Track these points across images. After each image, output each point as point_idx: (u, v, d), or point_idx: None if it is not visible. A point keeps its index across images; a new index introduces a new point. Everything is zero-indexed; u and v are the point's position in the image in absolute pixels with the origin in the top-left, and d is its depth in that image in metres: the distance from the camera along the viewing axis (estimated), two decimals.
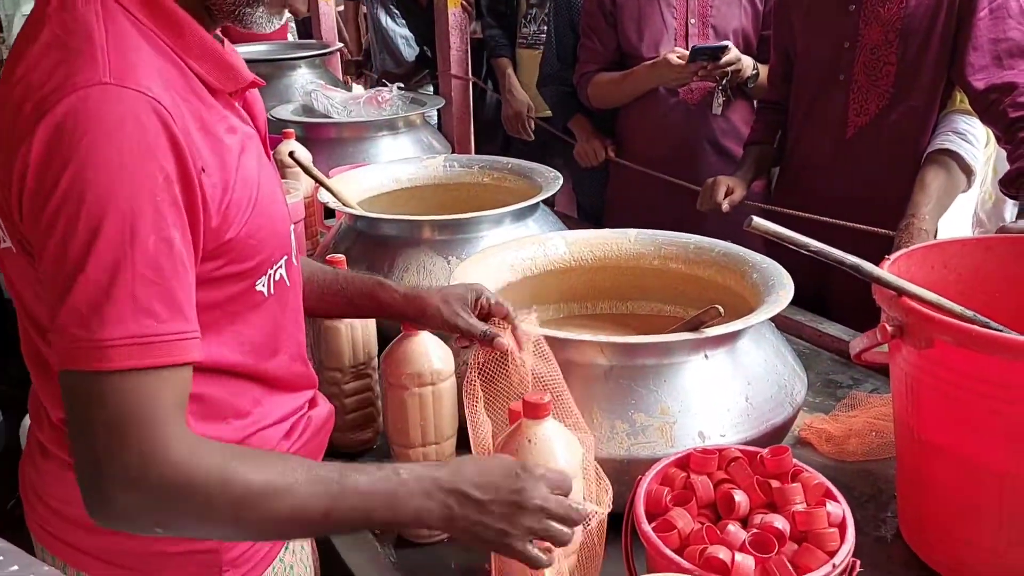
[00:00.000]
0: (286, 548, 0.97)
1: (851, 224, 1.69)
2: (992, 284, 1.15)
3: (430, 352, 1.08)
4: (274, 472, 0.75)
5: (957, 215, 1.76)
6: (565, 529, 0.81)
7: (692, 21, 2.14)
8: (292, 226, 0.95)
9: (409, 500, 0.78)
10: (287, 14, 0.89)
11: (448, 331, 1.02)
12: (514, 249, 1.46)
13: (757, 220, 0.92)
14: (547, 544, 0.81)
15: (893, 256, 1.10)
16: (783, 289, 1.19)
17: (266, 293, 0.87)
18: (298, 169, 2.11)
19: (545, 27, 2.76)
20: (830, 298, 1.85)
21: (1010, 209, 1.77)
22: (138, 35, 0.77)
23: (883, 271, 0.97)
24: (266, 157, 0.91)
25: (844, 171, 1.77)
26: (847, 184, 1.79)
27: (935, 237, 1.59)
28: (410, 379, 1.06)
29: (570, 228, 1.87)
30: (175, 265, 0.73)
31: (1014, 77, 1.54)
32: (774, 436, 1.11)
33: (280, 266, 0.89)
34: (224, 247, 0.80)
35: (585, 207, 2.70)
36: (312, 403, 1.00)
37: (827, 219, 1.72)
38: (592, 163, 2.37)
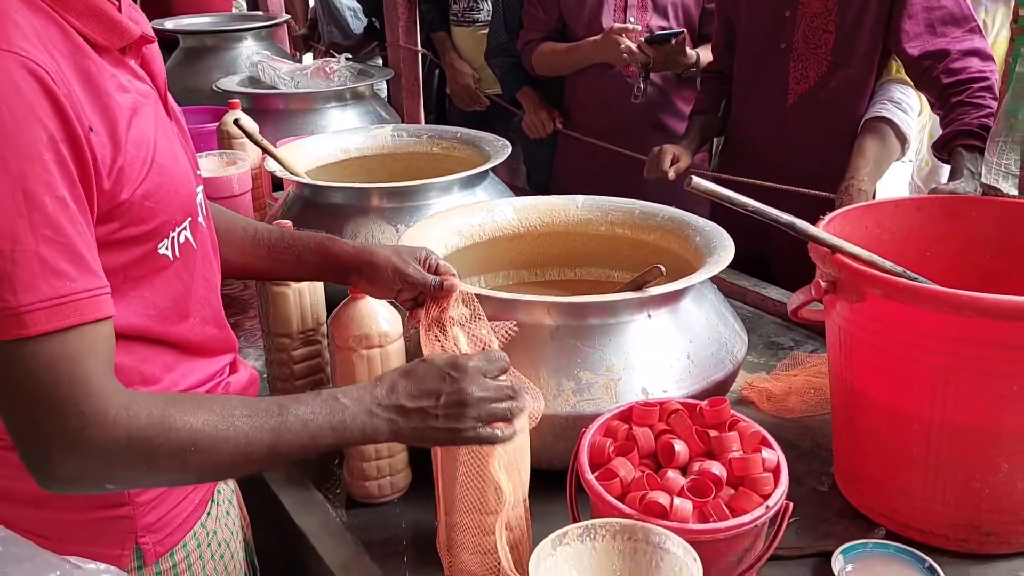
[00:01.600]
0: (208, 513, 0.97)
1: (792, 188, 1.73)
2: (924, 243, 1.19)
3: (377, 314, 1.08)
4: (214, 414, 0.75)
5: (894, 182, 1.81)
6: (510, 405, 0.86)
7: None
8: (200, 188, 0.93)
9: (352, 422, 0.81)
10: None
11: (399, 282, 1.02)
12: (462, 215, 1.46)
13: (696, 180, 0.94)
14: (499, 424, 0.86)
15: (829, 216, 1.13)
16: (724, 251, 1.22)
17: (170, 256, 0.86)
18: (245, 139, 2.08)
19: (474, 4, 2.76)
20: (771, 261, 1.90)
21: (945, 176, 1.82)
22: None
23: (817, 229, 1.00)
24: (166, 116, 0.89)
25: (785, 138, 1.81)
26: (788, 151, 1.83)
27: (874, 198, 1.64)
28: (357, 341, 1.06)
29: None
30: (74, 223, 0.72)
31: (947, 44, 1.59)
32: (715, 392, 1.14)
33: (184, 228, 0.88)
34: (119, 209, 0.78)
35: (534, 179, 2.71)
36: (232, 368, 1.00)
37: (770, 184, 1.76)
38: (541, 134, 2.38)
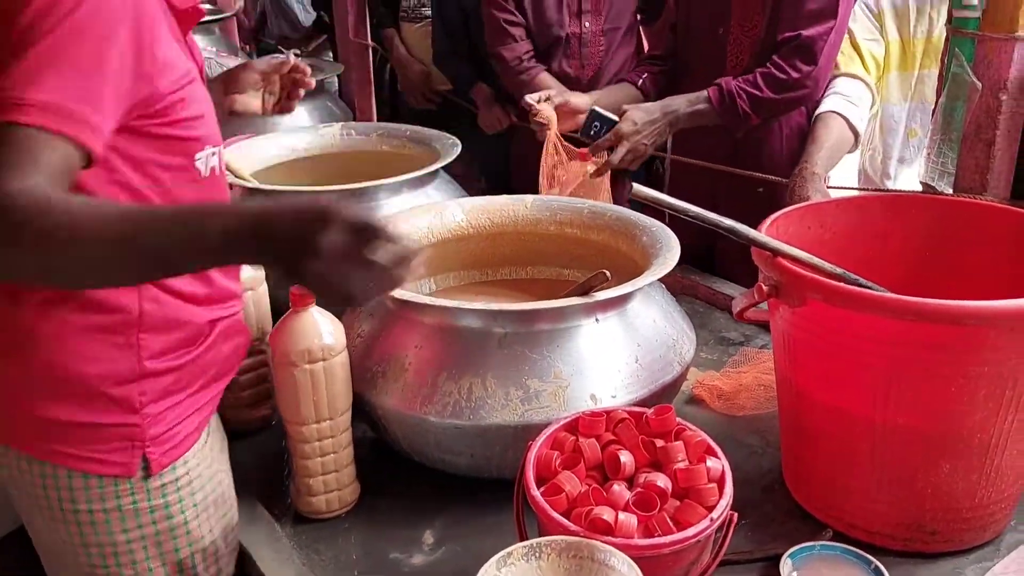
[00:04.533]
0: (204, 441, 1.02)
1: (747, 172, 1.74)
2: (866, 242, 1.20)
3: (320, 327, 1.06)
4: (93, 205, 0.78)
5: (843, 170, 1.82)
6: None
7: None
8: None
9: (216, 218, 0.76)
10: None
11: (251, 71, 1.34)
12: (411, 217, 1.44)
13: (637, 187, 0.94)
14: None
15: (771, 217, 1.13)
16: (670, 252, 1.22)
17: (203, 172, 0.96)
18: None
19: (425, 1, 2.74)
20: (721, 255, 1.92)
21: (894, 164, 1.85)
22: None
23: (759, 233, 1.00)
24: (191, 54, 0.99)
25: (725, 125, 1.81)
26: (728, 135, 1.83)
27: (826, 183, 1.65)
28: (300, 356, 1.04)
29: (472, 195, 1.87)
30: (122, 74, 0.81)
31: (802, 32, 1.65)
32: (664, 394, 1.14)
33: (216, 153, 0.99)
34: (161, 99, 0.88)
35: (491, 173, 2.69)
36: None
37: (726, 168, 1.76)
38: (497, 128, 2.38)
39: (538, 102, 1.77)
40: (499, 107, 2.37)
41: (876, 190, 1.74)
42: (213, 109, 1.01)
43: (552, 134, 1.76)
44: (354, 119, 2.78)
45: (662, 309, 1.23)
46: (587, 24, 2.18)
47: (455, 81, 2.60)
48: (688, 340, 1.23)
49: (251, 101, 1.45)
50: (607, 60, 2.22)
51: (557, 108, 1.78)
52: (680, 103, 1.70)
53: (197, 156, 0.95)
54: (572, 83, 2.20)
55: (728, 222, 0.97)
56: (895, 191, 1.21)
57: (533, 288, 1.52)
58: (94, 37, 0.80)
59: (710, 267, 1.86)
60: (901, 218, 1.19)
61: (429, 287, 1.52)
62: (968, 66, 1.11)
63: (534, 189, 1.89)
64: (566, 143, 1.81)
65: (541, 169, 1.82)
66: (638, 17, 2.28)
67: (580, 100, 1.82)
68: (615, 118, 1.70)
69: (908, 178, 1.82)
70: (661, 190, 2.30)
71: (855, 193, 1.65)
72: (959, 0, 1.12)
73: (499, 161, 2.52)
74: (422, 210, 1.47)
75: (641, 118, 1.66)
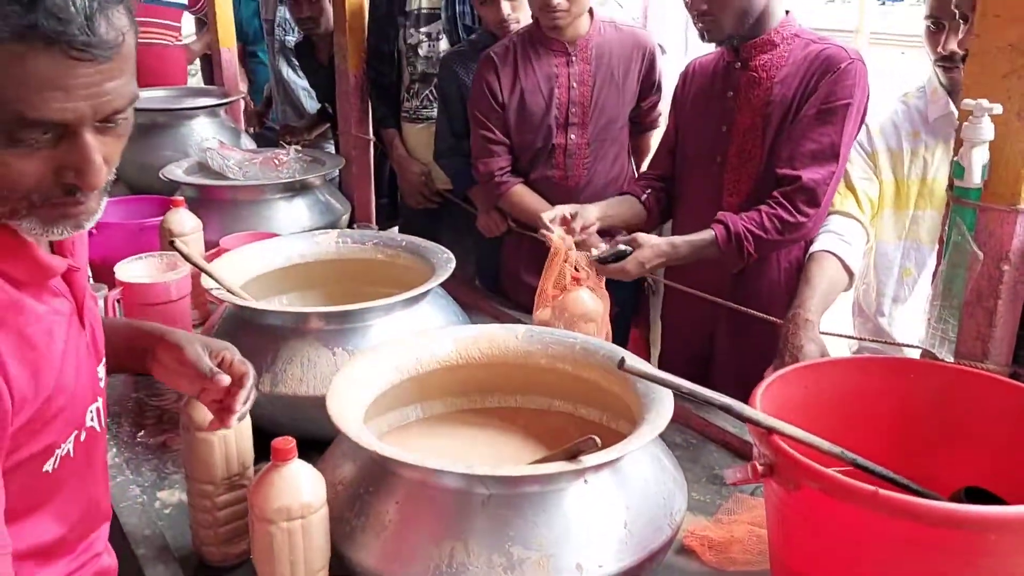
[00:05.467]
0: None
1: (742, 308, 1.73)
2: (864, 403, 1.18)
3: (301, 482, 1.03)
4: None
5: (838, 305, 1.82)
6: None
7: (573, 111, 2.20)
8: (95, 403, 1.00)
9: None
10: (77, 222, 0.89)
11: (176, 364, 1.06)
12: (400, 348, 1.42)
13: (629, 363, 0.92)
14: None
15: (768, 379, 1.11)
16: (663, 405, 1.19)
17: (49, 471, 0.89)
18: (188, 236, 2.05)
19: (427, 103, 2.77)
20: (715, 356, 1.91)
21: (888, 302, 1.84)
22: None
23: (754, 411, 0.98)
24: (80, 328, 0.94)
25: (724, 261, 1.82)
26: (720, 268, 1.84)
27: (818, 330, 1.64)
28: (277, 513, 1.01)
29: (465, 302, 1.85)
30: None
31: (803, 172, 1.67)
32: (653, 560, 1.11)
33: (68, 442, 0.92)
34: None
35: (488, 274, 2.69)
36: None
37: (720, 301, 1.76)
38: (494, 233, 2.39)
39: (552, 220, 1.78)
40: (497, 212, 2.38)
41: (872, 340, 1.73)
42: (80, 381, 0.93)
43: (561, 257, 1.75)
44: (353, 212, 2.79)
45: (654, 461, 1.20)
46: (573, 136, 2.22)
47: (454, 180, 2.61)
48: (680, 496, 1.20)
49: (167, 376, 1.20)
50: (593, 170, 2.26)
51: (566, 222, 1.78)
52: (687, 250, 1.70)
53: (44, 467, 0.89)
54: (558, 191, 2.23)
55: (723, 399, 0.95)
56: (894, 357, 1.19)
57: (522, 419, 1.49)
58: None
59: (702, 362, 1.85)
60: (899, 382, 1.17)
61: (416, 414, 1.50)
62: (969, 235, 1.10)
63: (528, 295, 1.88)
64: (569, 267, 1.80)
65: (541, 284, 1.81)
66: (627, 128, 2.31)
67: (590, 214, 1.84)
68: (626, 248, 1.72)
69: (902, 317, 1.81)
70: (650, 312, 2.32)
71: (850, 343, 1.64)
72: (960, 169, 1.12)
73: (495, 264, 2.52)
74: (411, 340, 1.45)
75: (648, 258, 1.68)
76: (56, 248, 0.96)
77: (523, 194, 2.28)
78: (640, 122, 2.38)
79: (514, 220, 2.36)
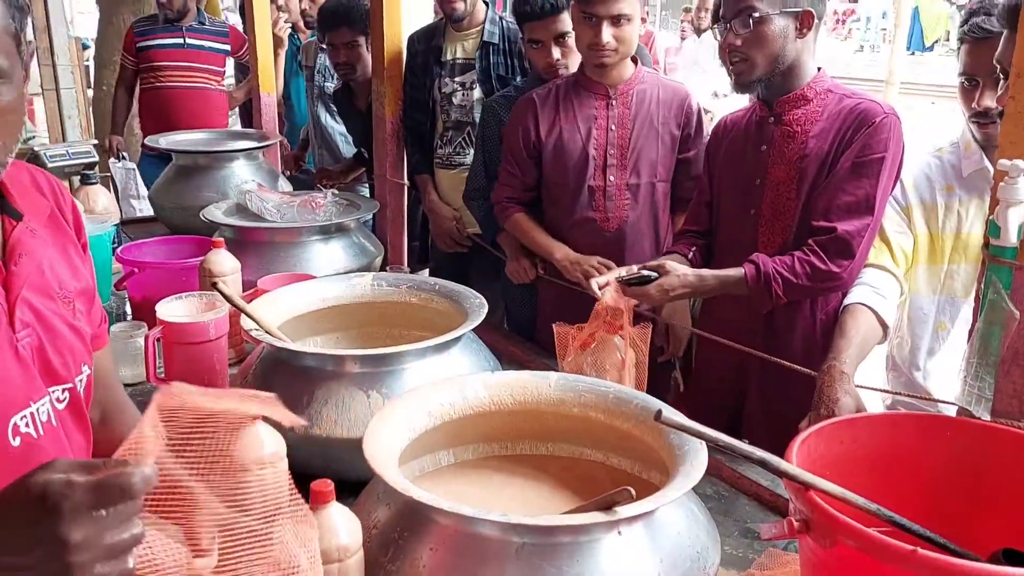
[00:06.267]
0: None
1: (776, 359, 1.73)
2: (898, 460, 1.17)
3: (338, 526, 1.04)
4: None
5: (870, 358, 1.81)
6: (125, 536, 0.65)
7: (611, 152, 2.22)
8: (39, 402, 1.10)
9: None
10: None
11: None
12: (432, 393, 1.44)
13: (667, 415, 0.93)
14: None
15: (803, 434, 1.11)
16: (697, 458, 1.19)
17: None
18: (228, 276, 2.09)
19: (460, 149, 2.82)
20: (747, 405, 1.91)
21: (923, 356, 1.83)
22: None
23: (789, 465, 0.98)
24: (7, 326, 1.05)
25: (752, 300, 1.82)
26: (754, 311, 1.84)
27: (853, 383, 1.63)
28: None
29: (495, 346, 1.87)
30: None
31: (838, 224, 1.69)
32: None
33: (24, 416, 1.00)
34: None
35: (516, 318, 2.71)
36: None
37: (754, 351, 1.76)
38: (523, 280, 2.40)
39: (602, 286, 1.80)
40: (527, 259, 2.40)
41: (908, 395, 1.72)
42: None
43: (603, 319, 1.75)
44: (385, 254, 2.83)
45: (687, 514, 1.20)
46: (611, 178, 2.24)
47: (483, 225, 2.65)
48: (714, 549, 1.19)
49: None
50: (632, 214, 2.26)
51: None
52: (713, 280, 1.72)
53: None
54: (598, 233, 2.25)
55: (760, 453, 0.96)
56: (930, 415, 1.19)
57: (553, 467, 1.49)
58: None
59: (735, 412, 1.84)
60: (936, 440, 1.17)
61: (448, 459, 1.51)
62: (1005, 294, 1.11)
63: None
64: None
65: (575, 333, 1.82)
66: (669, 177, 2.32)
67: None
68: (650, 274, 1.75)
69: (937, 371, 1.80)
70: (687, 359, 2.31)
71: (885, 397, 1.63)
72: (995, 229, 1.12)
73: (526, 309, 2.53)
74: (443, 385, 1.46)
75: (673, 286, 1.69)
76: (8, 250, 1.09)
77: (522, 221, 2.34)
78: (684, 173, 2.36)
79: (543, 268, 2.39)
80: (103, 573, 0.65)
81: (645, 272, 1.77)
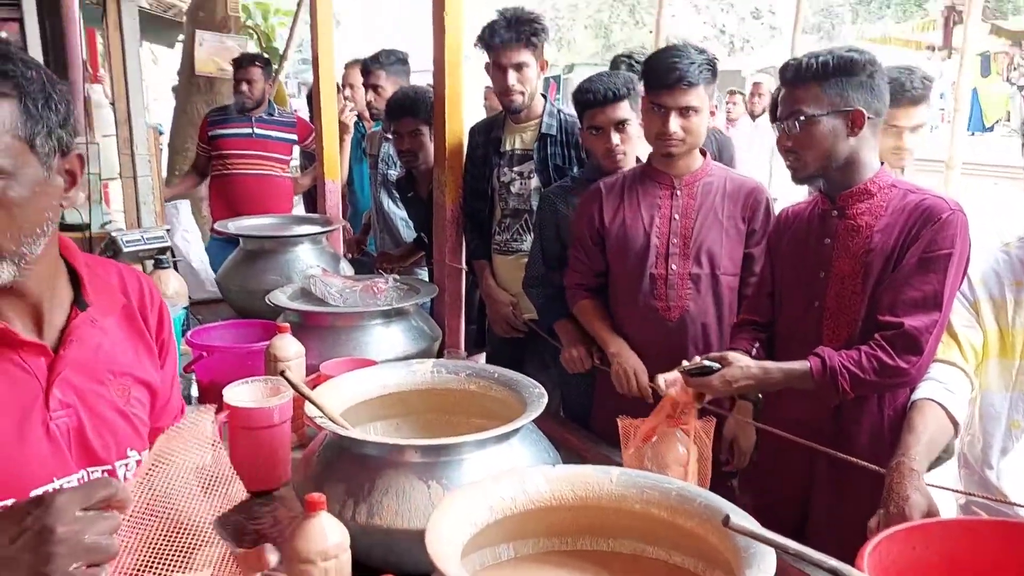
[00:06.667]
0: None
1: (843, 455, 1.70)
2: (979, 568, 1.13)
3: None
4: None
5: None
6: (109, 541, 0.79)
7: (674, 241, 2.23)
8: (61, 480, 1.15)
9: None
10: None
11: None
12: (492, 487, 1.44)
13: (735, 520, 0.92)
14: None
15: (874, 540, 1.09)
16: (765, 562, 1.16)
17: None
18: (292, 361, 2.13)
19: (517, 236, 2.88)
20: (813, 502, 1.87)
21: (996, 455, 1.77)
22: None
23: (863, 574, 0.96)
24: (43, 408, 1.13)
25: (818, 394, 1.79)
26: (820, 406, 1.81)
27: (923, 480, 1.59)
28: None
29: (551, 434, 1.86)
30: None
31: (905, 319, 1.67)
32: None
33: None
34: None
35: (572, 406, 2.70)
36: None
37: (823, 448, 1.73)
38: (578, 370, 2.40)
39: (670, 383, 1.81)
40: (583, 347, 2.41)
41: (983, 496, 1.66)
42: (22, 453, 1.11)
43: (665, 412, 1.76)
44: (443, 338, 2.86)
45: None
46: (673, 267, 2.24)
47: (541, 313, 2.67)
48: None
49: None
50: (694, 304, 2.25)
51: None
52: (779, 376, 1.70)
53: None
54: (658, 322, 2.25)
55: (832, 562, 0.94)
56: (1008, 520, 1.15)
57: (615, 564, 1.47)
58: None
59: (801, 513, 1.80)
60: (1014, 545, 1.13)
61: (508, 554, 1.49)
62: None
63: (613, 432, 1.88)
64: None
65: (636, 426, 1.81)
66: (736, 270, 2.31)
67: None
68: (712, 365, 1.73)
69: (1011, 470, 1.74)
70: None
71: (957, 496, 1.58)
72: None
73: (582, 397, 2.53)
74: (503, 478, 1.46)
75: (738, 378, 1.68)
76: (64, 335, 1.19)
77: (587, 308, 2.36)
78: (748, 269, 2.32)
79: (599, 357, 2.39)
80: (82, 551, 0.77)
81: (707, 363, 1.76)
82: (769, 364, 1.77)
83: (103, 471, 1.22)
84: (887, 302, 1.70)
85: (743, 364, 1.74)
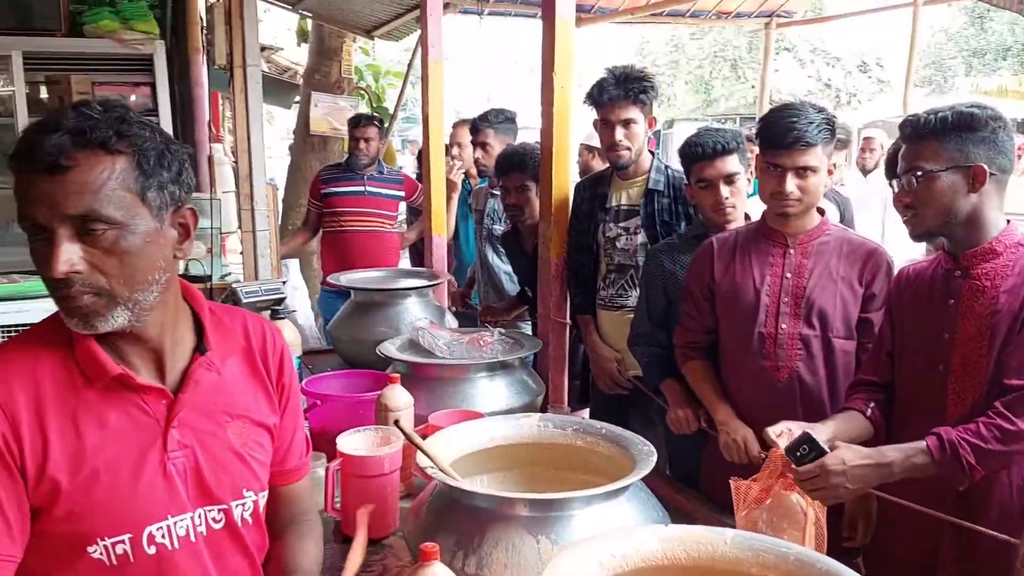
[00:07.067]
0: None
1: (969, 524, 1.61)
2: None
3: None
4: None
5: None
6: None
7: (785, 300, 2.18)
8: (180, 516, 1.24)
9: None
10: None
11: None
12: (603, 544, 1.42)
13: None
14: None
15: None
16: None
17: (106, 562, 1.14)
18: (400, 412, 2.18)
19: (623, 291, 2.87)
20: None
21: None
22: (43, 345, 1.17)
23: None
24: (160, 446, 1.22)
25: (944, 480, 1.71)
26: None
27: None
28: None
29: (660, 494, 1.83)
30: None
31: None
32: None
33: (121, 541, 1.15)
34: (45, 505, 1.09)
35: (680, 466, 2.65)
36: None
37: (949, 518, 1.65)
38: (684, 431, 2.37)
39: (778, 435, 1.77)
40: (691, 410, 2.37)
41: None
42: (139, 488, 1.19)
43: (777, 471, 1.71)
44: (547, 392, 2.87)
45: None
46: (784, 326, 2.18)
47: (646, 371, 2.65)
48: None
49: None
50: (804, 365, 2.18)
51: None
52: (895, 455, 1.63)
53: (90, 549, 1.14)
54: (767, 381, 2.19)
55: None
56: None
57: None
58: None
59: None
60: None
61: None
62: None
63: (723, 493, 1.84)
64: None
65: (748, 486, 1.77)
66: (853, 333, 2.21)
67: (819, 434, 1.74)
68: (826, 448, 1.65)
69: None
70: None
71: None
72: None
73: (690, 458, 2.48)
74: (614, 536, 1.45)
75: (851, 459, 1.61)
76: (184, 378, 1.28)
77: (696, 369, 2.32)
78: (865, 334, 2.22)
79: (706, 420, 2.34)
80: None
81: (818, 441, 1.67)
82: (883, 448, 1.68)
83: (219, 510, 1.28)
84: (1014, 365, 1.61)
85: (856, 449, 1.65)
